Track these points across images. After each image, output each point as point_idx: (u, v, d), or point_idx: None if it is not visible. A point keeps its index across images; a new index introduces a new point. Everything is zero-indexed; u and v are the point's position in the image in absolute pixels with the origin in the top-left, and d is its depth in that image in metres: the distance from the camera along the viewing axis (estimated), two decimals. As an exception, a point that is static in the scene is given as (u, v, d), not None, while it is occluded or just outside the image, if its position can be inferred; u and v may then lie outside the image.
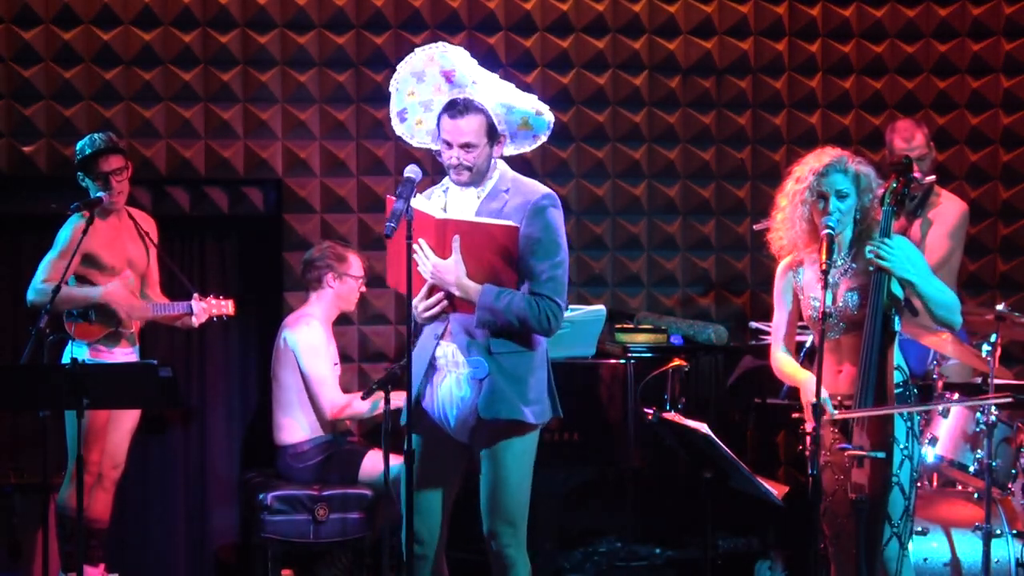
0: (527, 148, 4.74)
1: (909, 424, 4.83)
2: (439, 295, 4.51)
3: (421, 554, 4.66)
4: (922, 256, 4.92)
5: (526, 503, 4.64)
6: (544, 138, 4.72)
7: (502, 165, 4.66)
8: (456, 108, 4.54)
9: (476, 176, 4.60)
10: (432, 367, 4.64)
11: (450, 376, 4.61)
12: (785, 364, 4.99)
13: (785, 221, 4.89)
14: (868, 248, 4.75)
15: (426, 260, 4.48)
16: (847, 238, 4.86)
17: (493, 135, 4.57)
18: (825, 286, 4.74)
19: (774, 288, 5.01)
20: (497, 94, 4.59)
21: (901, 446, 4.78)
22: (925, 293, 4.77)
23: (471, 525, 4.78)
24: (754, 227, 6.91)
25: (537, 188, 4.62)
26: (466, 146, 4.54)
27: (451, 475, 4.70)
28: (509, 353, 4.55)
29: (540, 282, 4.51)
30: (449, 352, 4.59)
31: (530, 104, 4.64)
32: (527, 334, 4.55)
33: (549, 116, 4.67)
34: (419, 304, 4.55)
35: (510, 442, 4.57)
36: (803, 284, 4.88)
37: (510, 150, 4.70)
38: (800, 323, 5.00)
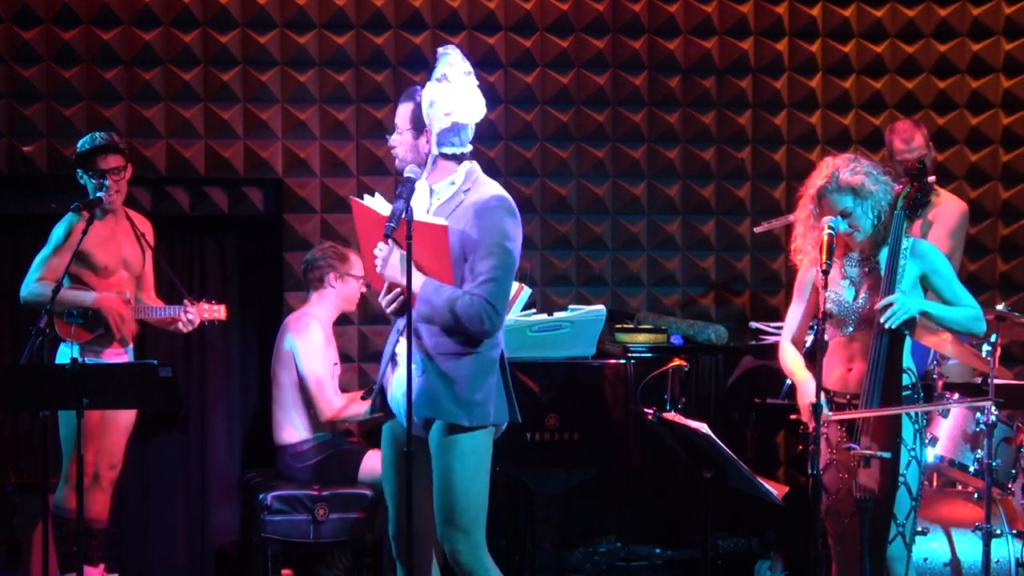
0: (456, 150, 4.59)
1: (918, 427, 4.85)
2: (397, 290, 4.56)
3: (401, 551, 4.67)
4: (947, 262, 4.94)
5: (478, 508, 4.56)
6: (457, 148, 4.58)
7: (471, 165, 4.64)
8: (404, 93, 4.67)
9: (404, 163, 4.62)
10: (393, 362, 4.67)
11: (402, 371, 4.61)
12: (789, 358, 5.02)
13: (802, 235, 4.96)
14: (877, 311, 4.76)
15: (381, 256, 4.53)
16: (869, 237, 4.87)
17: (418, 126, 4.60)
18: (825, 286, 4.76)
19: (797, 279, 5.04)
20: (435, 90, 4.56)
21: (908, 447, 4.79)
22: (939, 318, 4.85)
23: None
24: (755, 229, 6.91)
25: (491, 191, 4.58)
26: (395, 128, 4.63)
27: (426, 469, 4.64)
28: (446, 355, 4.55)
29: (479, 283, 4.49)
30: (405, 348, 4.58)
31: (453, 107, 4.55)
32: (468, 337, 4.52)
33: (458, 120, 4.55)
34: (382, 299, 4.62)
35: (453, 443, 4.53)
36: (827, 279, 4.87)
37: (447, 150, 4.58)
38: (815, 320, 5.02)
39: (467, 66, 4.61)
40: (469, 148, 4.64)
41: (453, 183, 4.62)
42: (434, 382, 4.55)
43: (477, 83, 4.62)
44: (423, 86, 4.59)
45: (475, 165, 4.67)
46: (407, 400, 4.48)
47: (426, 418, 4.58)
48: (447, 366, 4.54)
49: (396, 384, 4.63)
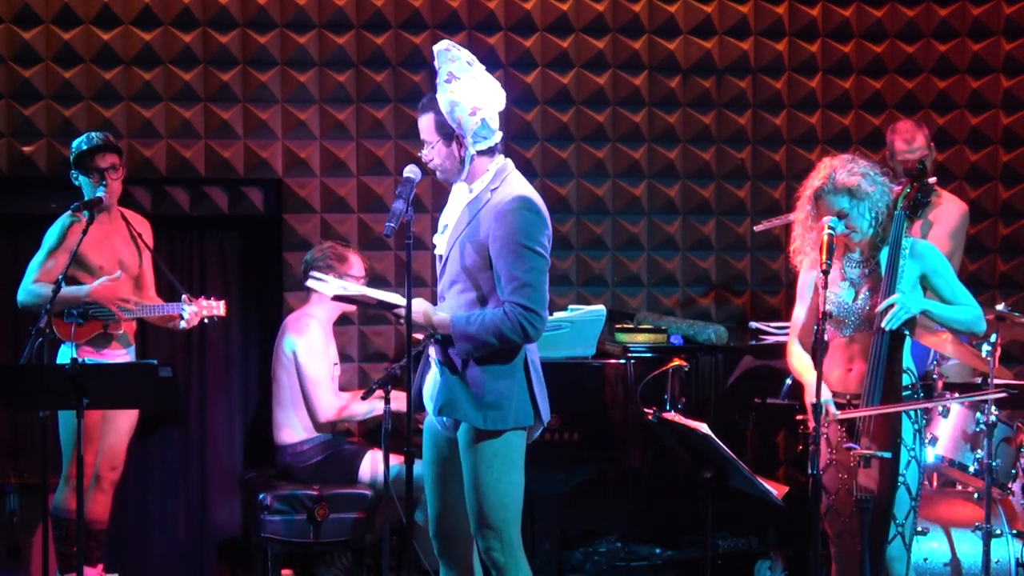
0: (488, 144, 4.53)
1: (917, 427, 4.85)
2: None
3: (445, 549, 4.70)
4: (947, 262, 4.94)
5: (509, 506, 4.54)
6: (490, 140, 4.52)
7: (503, 163, 4.58)
8: (419, 105, 4.58)
9: (448, 174, 4.58)
10: (427, 363, 4.68)
11: (433, 371, 4.64)
12: (796, 360, 5.02)
13: (800, 236, 4.95)
14: (878, 313, 4.76)
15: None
16: (868, 238, 4.88)
17: (447, 133, 4.52)
18: (825, 285, 4.77)
19: (798, 281, 5.05)
20: (451, 92, 4.48)
21: (908, 447, 4.79)
22: (940, 317, 4.86)
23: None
24: (755, 228, 6.91)
25: (514, 191, 4.49)
26: (425, 143, 4.57)
27: (460, 470, 4.64)
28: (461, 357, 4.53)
29: (512, 289, 4.41)
30: (435, 350, 4.61)
31: (477, 102, 4.47)
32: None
33: (487, 114, 4.48)
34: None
35: (479, 446, 4.51)
36: (828, 280, 4.87)
37: (482, 146, 4.53)
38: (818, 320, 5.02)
39: (469, 55, 4.54)
40: (499, 135, 4.56)
41: (483, 181, 4.55)
42: (452, 383, 4.53)
43: (480, 70, 4.54)
44: (432, 93, 4.52)
45: (508, 163, 4.59)
46: (407, 403, 4.51)
47: (442, 416, 4.59)
48: (463, 368, 4.52)
49: (431, 384, 4.65)
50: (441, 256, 4.65)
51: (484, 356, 4.49)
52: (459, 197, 4.64)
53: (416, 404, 4.71)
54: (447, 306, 4.57)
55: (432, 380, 4.65)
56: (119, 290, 5.98)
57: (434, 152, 4.56)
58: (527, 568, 4.61)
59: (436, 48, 4.53)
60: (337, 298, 4.72)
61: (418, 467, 4.79)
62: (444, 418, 4.61)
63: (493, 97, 4.53)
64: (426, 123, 4.55)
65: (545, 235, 4.49)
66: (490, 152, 4.56)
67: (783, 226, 6.65)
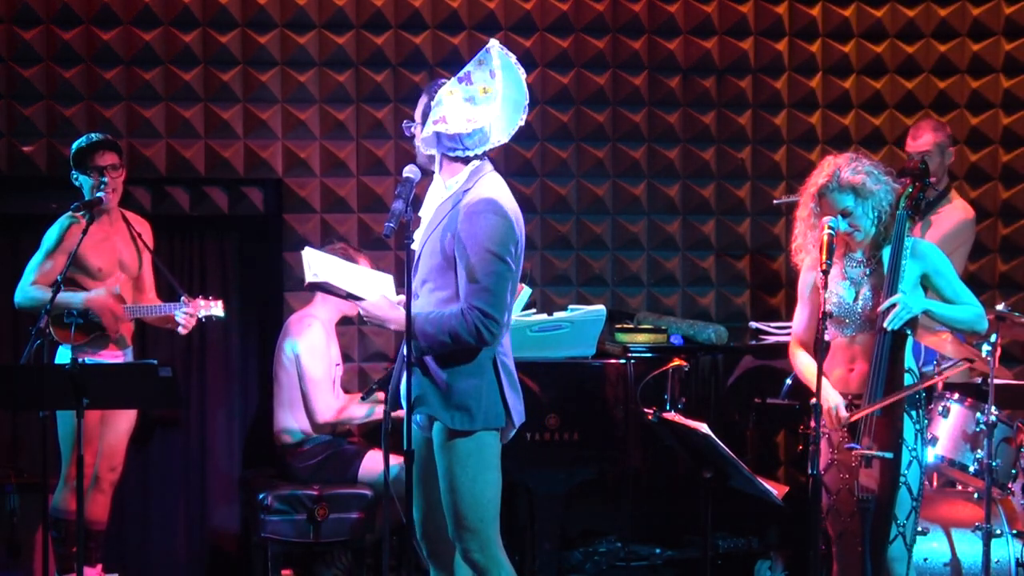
0: (458, 154, 4.51)
1: (919, 427, 4.85)
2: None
3: (434, 551, 4.68)
4: (948, 261, 4.95)
5: (486, 506, 4.51)
6: (459, 153, 4.51)
7: (479, 164, 4.54)
8: (427, 85, 4.63)
9: (421, 157, 4.60)
10: (403, 362, 4.61)
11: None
12: (802, 363, 5.01)
13: (802, 234, 4.95)
14: (880, 313, 4.77)
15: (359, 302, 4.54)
16: (870, 237, 4.88)
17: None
18: (825, 286, 4.77)
19: (799, 280, 5.05)
20: (450, 92, 4.46)
21: (910, 447, 4.80)
22: (942, 317, 4.86)
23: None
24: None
25: (484, 193, 4.46)
26: (413, 118, 4.62)
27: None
28: (431, 356, 4.51)
29: (471, 292, 4.40)
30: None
31: (451, 116, 4.45)
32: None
33: (457, 130, 4.45)
34: None
35: (452, 446, 4.49)
36: (828, 280, 4.87)
37: (450, 153, 4.51)
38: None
39: (499, 66, 4.45)
40: (477, 151, 4.50)
41: (457, 181, 4.55)
42: (422, 380, 4.52)
43: (501, 84, 4.47)
44: (444, 79, 4.54)
45: (485, 164, 4.55)
46: (407, 403, 4.48)
47: (427, 418, 4.57)
48: (432, 367, 4.51)
49: (404, 385, 4.62)
50: (416, 252, 4.63)
51: (449, 355, 4.47)
52: (436, 193, 4.64)
53: (394, 403, 4.68)
54: (419, 304, 4.54)
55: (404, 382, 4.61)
56: (114, 304, 5.96)
57: (414, 131, 4.61)
58: (508, 566, 4.58)
59: (491, 42, 4.48)
60: (311, 285, 4.68)
61: (395, 467, 4.76)
62: (419, 417, 4.58)
63: (466, 120, 4.46)
64: (421, 104, 4.60)
65: (512, 241, 4.45)
66: (462, 160, 4.54)
67: (784, 224, 6.66)
